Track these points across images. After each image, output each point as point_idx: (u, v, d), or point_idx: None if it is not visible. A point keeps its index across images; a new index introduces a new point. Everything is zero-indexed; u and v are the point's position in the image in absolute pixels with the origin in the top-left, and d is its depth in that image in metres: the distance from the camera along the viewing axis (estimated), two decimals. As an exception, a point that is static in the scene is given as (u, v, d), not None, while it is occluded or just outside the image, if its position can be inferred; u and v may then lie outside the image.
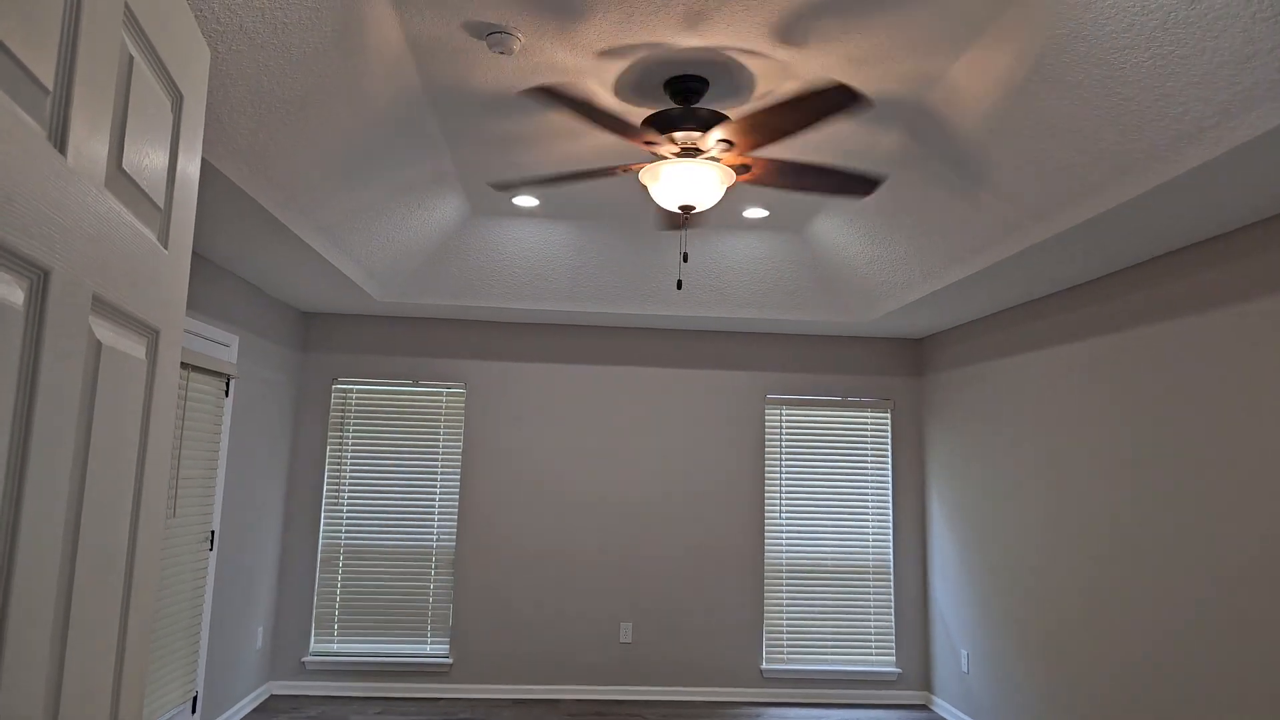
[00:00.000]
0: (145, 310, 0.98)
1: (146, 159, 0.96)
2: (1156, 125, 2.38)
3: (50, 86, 0.73)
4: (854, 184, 2.81)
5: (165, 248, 1.05)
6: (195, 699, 3.92)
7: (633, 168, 2.72)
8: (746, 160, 2.70)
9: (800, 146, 3.26)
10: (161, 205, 1.03)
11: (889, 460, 5.40)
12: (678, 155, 2.67)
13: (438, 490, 5.15)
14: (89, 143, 0.80)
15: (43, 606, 0.76)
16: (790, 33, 2.45)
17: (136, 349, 0.97)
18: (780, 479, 5.35)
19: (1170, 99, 2.28)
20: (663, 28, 2.43)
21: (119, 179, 0.90)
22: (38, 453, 0.73)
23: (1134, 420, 3.40)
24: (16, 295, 0.69)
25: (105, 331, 0.88)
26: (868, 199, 3.68)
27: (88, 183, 0.80)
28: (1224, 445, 2.95)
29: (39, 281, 0.72)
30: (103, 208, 0.84)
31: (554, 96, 2.36)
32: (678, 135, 2.59)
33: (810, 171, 2.75)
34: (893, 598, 5.29)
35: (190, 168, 1.12)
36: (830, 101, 2.30)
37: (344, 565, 5.05)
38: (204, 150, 2.49)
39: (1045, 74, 2.45)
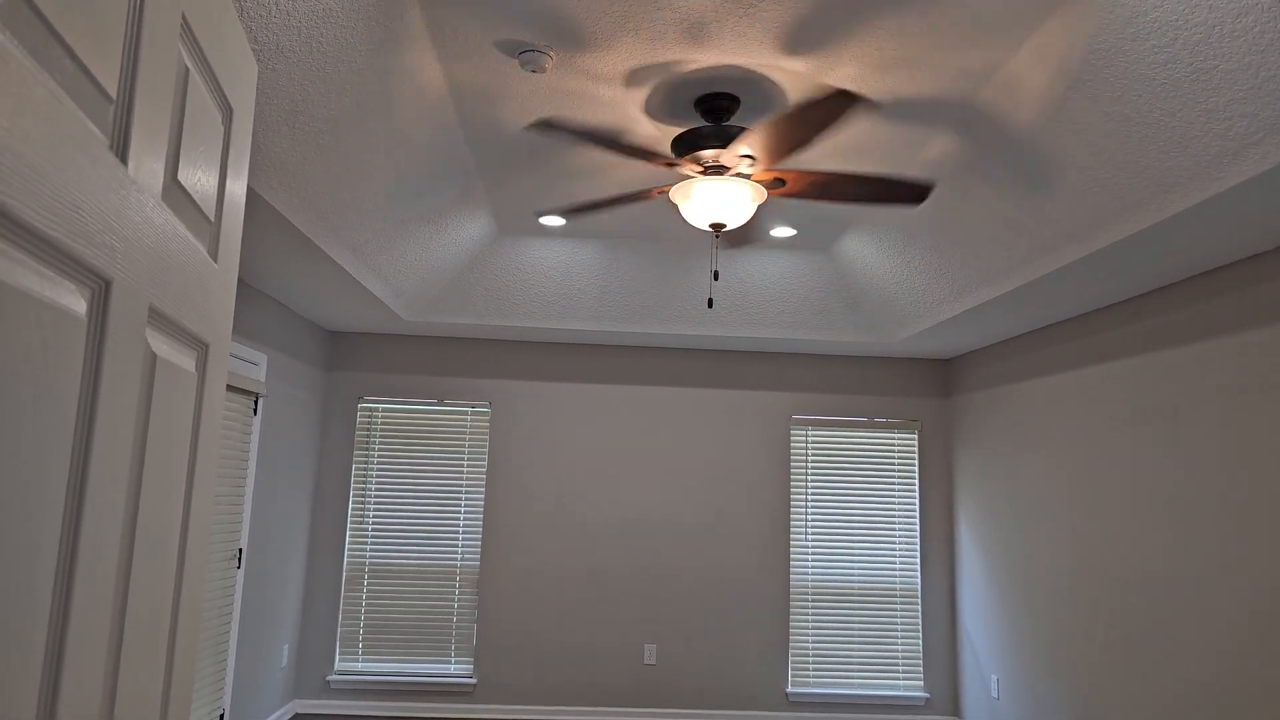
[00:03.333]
0: (196, 324, 0.97)
1: (199, 172, 0.96)
2: (1200, 141, 2.34)
3: (114, 95, 0.72)
4: (904, 191, 2.74)
5: (215, 261, 1.05)
6: (222, 717, 3.91)
7: (666, 189, 2.72)
8: (780, 174, 2.68)
9: (843, 159, 3.24)
10: (212, 218, 1.02)
11: (916, 482, 5.31)
12: (703, 174, 2.66)
13: (462, 509, 5.13)
14: (148, 153, 0.80)
15: (100, 611, 0.75)
16: (796, 43, 2.43)
17: (188, 362, 0.97)
18: (806, 500, 5.29)
19: (1214, 114, 2.24)
20: (671, 46, 2.44)
21: (175, 191, 0.89)
22: (98, 463, 0.72)
23: (1170, 444, 3.32)
24: (80, 305, 0.69)
25: (160, 344, 0.87)
26: (913, 211, 3.63)
27: (146, 193, 0.80)
28: (1266, 472, 2.87)
29: (101, 291, 0.72)
30: (159, 219, 0.84)
31: (553, 128, 2.37)
32: (702, 154, 2.58)
33: (859, 182, 2.70)
34: (920, 621, 5.18)
35: (239, 181, 1.12)
36: (832, 108, 2.27)
37: (369, 584, 5.04)
38: (241, 169, 2.52)
39: (1084, 89, 2.42)
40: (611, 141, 2.41)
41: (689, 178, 2.69)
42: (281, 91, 2.30)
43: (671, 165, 2.63)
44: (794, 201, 3.67)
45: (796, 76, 2.61)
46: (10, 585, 0.60)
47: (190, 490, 1.00)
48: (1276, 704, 2.78)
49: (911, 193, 2.75)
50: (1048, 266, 3.26)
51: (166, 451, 0.91)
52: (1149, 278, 3.31)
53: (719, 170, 2.64)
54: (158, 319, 0.85)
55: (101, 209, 0.70)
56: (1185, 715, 3.18)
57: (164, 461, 0.90)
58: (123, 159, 0.75)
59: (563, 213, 2.82)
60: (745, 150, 2.52)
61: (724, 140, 2.59)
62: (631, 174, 3.41)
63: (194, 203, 0.95)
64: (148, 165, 0.80)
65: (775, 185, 2.67)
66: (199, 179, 0.96)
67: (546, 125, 2.38)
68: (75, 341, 0.68)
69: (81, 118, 0.67)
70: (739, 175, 2.65)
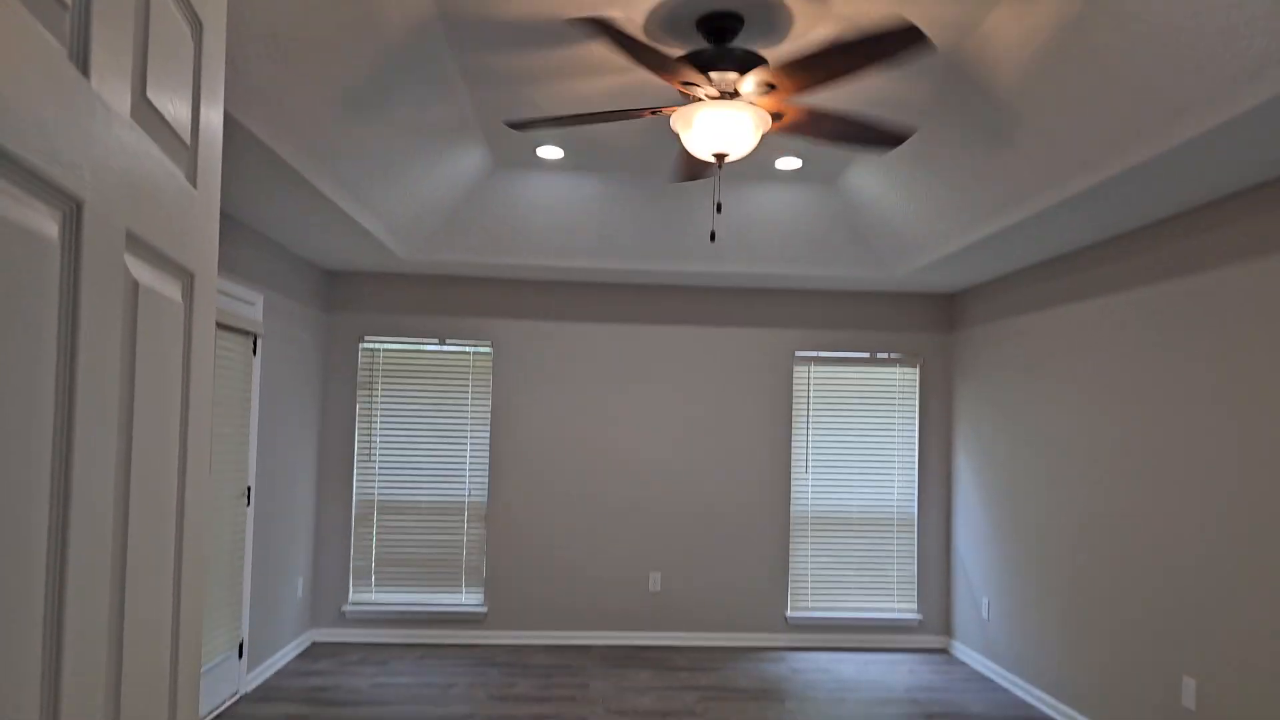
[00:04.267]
0: (179, 252, 0.95)
1: (170, 91, 0.92)
2: (1216, 63, 2.25)
3: (69, 1, 0.68)
4: (881, 137, 2.71)
5: (195, 187, 1.01)
6: (241, 646, 4.03)
7: (664, 111, 2.63)
8: (780, 107, 2.60)
9: (829, 93, 3.14)
10: (188, 141, 0.99)
11: (916, 416, 5.34)
12: (714, 99, 2.56)
13: (468, 446, 5.18)
14: (112, 67, 0.76)
15: (99, 544, 0.75)
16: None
17: (173, 291, 0.94)
18: (807, 434, 5.33)
19: (1232, 33, 2.14)
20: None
21: (145, 109, 0.86)
22: (85, 391, 0.71)
23: (1171, 374, 3.31)
24: (51, 227, 0.66)
25: (142, 271, 0.85)
26: (903, 148, 3.55)
27: (114, 110, 0.76)
28: (1266, 401, 2.86)
29: (72, 213, 0.69)
30: (130, 139, 0.80)
31: (603, 29, 2.21)
32: (713, 76, 2.49)
33: (841, 122, 2.63)
34: (916, 548, 5.29)
35: (214, 103, 1.08)
36: (895, 44, 2.17)
37: (379, 520, 5.13)
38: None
39: (1098, 5, 2.32)
40: (652, 55, 2.25)
41: (697, 100, 2.58)
42: (258, 13, 2.21)
43: (687, 85, 2.50)
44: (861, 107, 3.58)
45: (809, 4, 2.50)
46: (3, 521, 0.59)
47: (186, 424, 0.99)
48: (1260, 630, 2.84)
49: (889, 138, 2.70)
50: (1057, 196, 3.19)
51: (158, 383, 0.90)
52: (1159, 207, 3.24)
53: (730, 96, 2.55)
54: (137, 245, 0.83)
55: (66, 124, 0.67)
56: (1166, 635, 3.26)
57: (156, 393, 0.89)
58: (84, 71, 0.71)
59: (547, 124, 2.69)
60: (765, 78, 2.42)
61: (739, 65, 2.48)
62: (611, 91, 3.28)
63: (167, 124, 0.92)
64: (112, 79, 0.76)
65: (774, 118, 2.58)
66: (170, 98, 0.92)
67: (596, 24, 2.18)
68: (49, 264, 0.66)
69: (35, 24, 0.63)
70: (746, 102, 2.56)
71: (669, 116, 3.39)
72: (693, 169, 3.15)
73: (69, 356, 0.69)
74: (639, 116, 2.69)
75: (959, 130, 3.26)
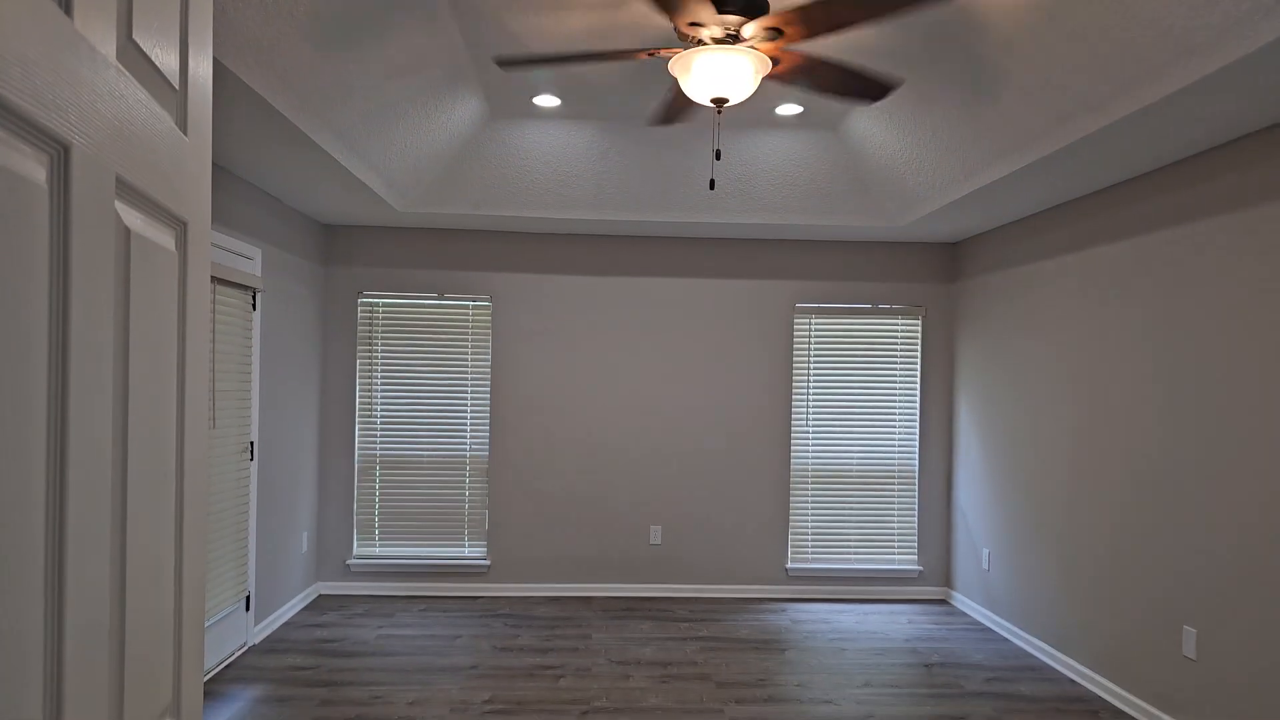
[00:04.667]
0: (171, 200, 0.93)
1: (157, 33, 0.90)
2: (1232, -5, 2.19)
3: (49, -64, 0.66)
4: (870, 88, 2.69)
5: (185, 134, 0.99)
6: (248, 599, 4.10)
7: (662, 53, 2.57)
8: (778, 54, 2.54)
9: (826, 40, 3.06)
10: (177, 85, 0.96)
11: (918, 367, 5.34)
12: (717, 41, 2.50)
13: (469, 401, 5.20)
14: (95, 6, 0.74)
15: (98, 494, 0.75)
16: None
17: (166, 239, 0.93)
18: (808, 386, 5.34)
19: (1250, -36, 2.08)
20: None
21: (132, 51, 0.83)
22: (79, 338, 0.70)
23: (1174, 322, 3.30)
24: (38, 172, 0.65)
25: (133, 218, 0.83)
26: (906, 93, 3.48)
27: (100, 52, 0.74)
28: (1271, 348, 2.85)
29: (59, 157, 0.68)
30: (118, 82, 0.78)
31: None
32: (727, 19, 2.42)
33: (837, 70, 2.59)
34: (916, 500, 5.34)
35: (202, 47, 1.05)
36: None
37: (381, 474, 5.17)
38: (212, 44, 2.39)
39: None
40: None
41: (700, 43, 2.52)
42: (250, -41, 2.14)
43: (694, 26, 2.44)
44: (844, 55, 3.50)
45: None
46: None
47: (183, 374, 0.99)
48: (1268, 585, 2.88)
49: (875, 89, 2.66)
50: (1063, 140, 3.14)
51: (153, 333, 0.89)
52: (1168, 151, 3.19)
53: (730, 40, 2.49)
54: (127, 191, 0.81)
55: (51, 65, 0.65)
56: (1167, 584, 3.31)
57: (151, 343, 0.88)
58: (67, 11, 0.69)
59: (538, 62, 2.61)
60: (772, 24, 2.36)
61: (744, 8, 2.41)
62: (599, 28, 3.20)
63: (155, 67, 0.89)
64: (97, 20, 0.74)
65: (773, 36, 2.52)
66: (157, 41, 0.90)
67: None
68: (37, 209, 0.64)
69: (12, -42, 0.61)
70: (747, 47, 2.50)
71: (666, 61, 3.31)
72: (672, 112, 3.08)
73: (61, 305, 0.68)
74: (635, 58, 2.62)
75: (963, 73, 3.19)
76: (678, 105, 3.01)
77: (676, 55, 2.50)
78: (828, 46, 3.13)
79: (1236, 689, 2.96)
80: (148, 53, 0.87)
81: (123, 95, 0.79)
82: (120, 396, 0.81)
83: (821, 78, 2.65)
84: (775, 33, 2.42)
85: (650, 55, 2.58)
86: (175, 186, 0.94)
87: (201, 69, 1.04)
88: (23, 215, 0.62)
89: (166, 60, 0.93)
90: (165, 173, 0.91)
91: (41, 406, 0.65)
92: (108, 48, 0.77)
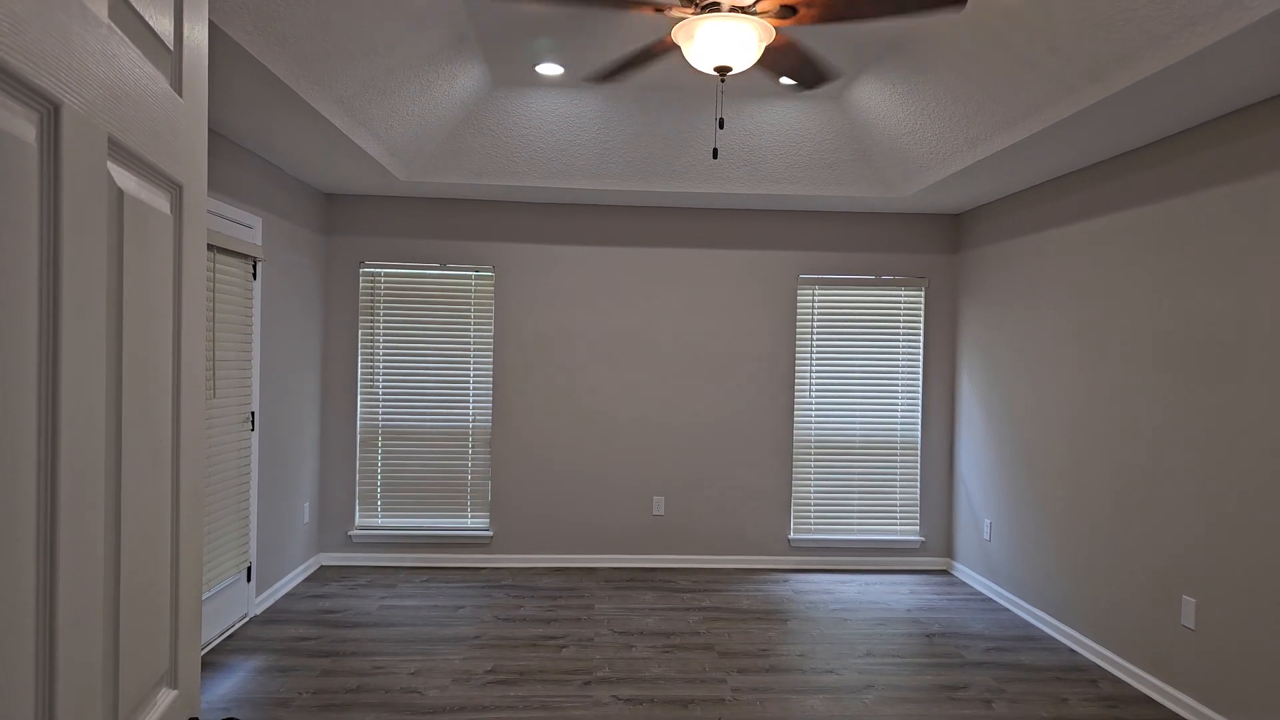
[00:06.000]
0: (166, 162, 0.91)
1: (151, -10, 0.87)
2: (1250, -43, 2.14)
3: (33, -116, 0.63)
4: (814, 76, 2.66)
5: (180, 96, 0.97)
6: (249, 569, 4.13)
7: (665, 11, 2.51)
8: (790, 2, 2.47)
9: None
10: (170, 46, 0.94)
11: (921, 338, 5.32)
12: (702, 10, 2.45)
13: (471, 372, 5.19)
14: (85, -40, 0.71)
15: (92, 458, 0.74)
16: None
17: (160, 202, 0.91)
18: (811, 357, 5.32)
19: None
20: None
21: (123, 9, 0.81)
22: (70, 298, 0.69)
23: (1175, 293, 3.27)
24: (28, 131, 0.63)
25: (126, 180, 0.82)
26: (909, 61, 3.41)
27: (90, 9, 0.72)
28: (1272, 319, 2.83)
29: (49, 116, 0.66)
30: (110, 40, 0.76)
31: None
32: None
33: (796, 54, 2.55)
34: (919, 471, 5.35)
35: (198, 8, 1.02)
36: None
37: (383, 445, 5.18)
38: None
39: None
40: None
41: (702, 9, 2.47)
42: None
43: None
44: (808, 39, 3.44)
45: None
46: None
47: (179, 339, 0.97)
48: (1267, 555, 2.89)
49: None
50: (1067, 110, 3.09)
51: (148, 297, 0.88)
52: (1172, 121, 3.14)
53: (716, 6, 2.43)
54: (120, 152, 0.80)
55: (41, 21, 0.63)
56: (1166, 555, 3.32)
57: (146, 307, 0.87)
58: (54, -37, 0.66)
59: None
60: (792, 1, 2.31)
61: None
62: (631, 26, 3.16)
63: (148, 26, 0.87)
64: (85, -27, 0.71)
65: (785, 14, 2.46)
66: (151, 0, 0.87)
67: None
68: (28, 168, 0.63)
69: (-6, -94, 0.58)
70: (741, 11, 2.44)
71: (670, 26, 3.25)
72: (615, 70, 2.98)
73: (52, 266, 0.67)
74: (638, 8, 2.56)
75: (970, 41, 3.14)
76: (623, 62, 2.92)
77: (678, 26, 2.45)
78: (805, 31, 3.07)
79: (1235, 658, 2.99)
80: (140, 12, 0.85)
81: (115, 54, 0.77)
82: (114, 361, 0.80)
83: (784, 60, 2.62)
84: (789, 10, 2.37)
85: (657, 11, 2.53)
86: (170, 149, 0.92)
87: (196, 30, 1.02)
88: (12, 175, 0.61)
89: (160, 20, 0.90)
90: (159, 134, 0.89)
91: (32, 372, 0.64)
92: (99, 6, 0.75)
